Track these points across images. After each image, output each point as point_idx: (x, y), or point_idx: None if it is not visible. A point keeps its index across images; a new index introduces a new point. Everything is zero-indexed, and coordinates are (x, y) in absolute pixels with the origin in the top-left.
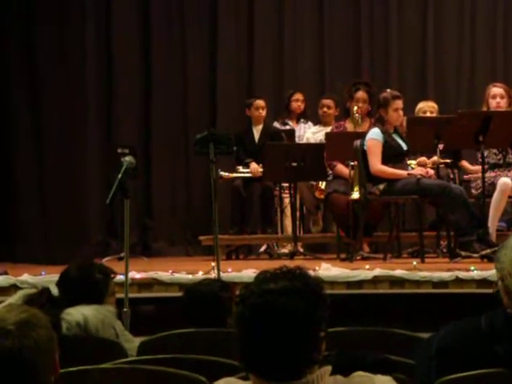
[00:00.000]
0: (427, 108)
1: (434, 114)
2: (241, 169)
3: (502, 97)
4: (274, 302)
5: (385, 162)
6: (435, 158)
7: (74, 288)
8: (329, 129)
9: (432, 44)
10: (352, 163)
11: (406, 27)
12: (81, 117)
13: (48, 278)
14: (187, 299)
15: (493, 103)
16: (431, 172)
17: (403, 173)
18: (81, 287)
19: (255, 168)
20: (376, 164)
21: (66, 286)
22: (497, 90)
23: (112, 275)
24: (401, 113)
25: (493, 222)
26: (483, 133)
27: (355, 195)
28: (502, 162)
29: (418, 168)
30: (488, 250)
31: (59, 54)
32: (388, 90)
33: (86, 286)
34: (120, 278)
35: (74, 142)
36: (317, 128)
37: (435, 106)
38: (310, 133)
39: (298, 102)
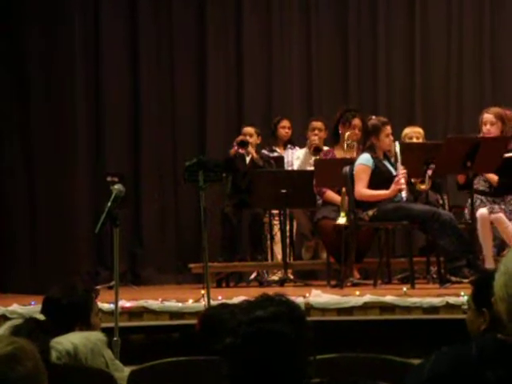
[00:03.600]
0: (413, 134)
1: (420, 140)
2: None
3: (491, 123)
4: (265, 329)
5: (375, 187)
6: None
7: (59, 310)
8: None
9: (419, 69)
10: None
11: (393, 53)
12: (70, 145)
13: (37, 307)
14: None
15: (483, 130)
16: (402, 182)
17: (382, 192)
18: (65, 308)
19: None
20: (359, 189)
21: (50, 310)
22: (487, 116)
23: (94, 292)
24: (391, 138)
25: (487, 251)
26: (471, 159)
27: (341, 220)
28: (488, 190)
29: (392, 186)
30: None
31: (49, 82)
32: (374, 117)
33: (70, 305)
34: (110, 306)
35: (64, 170)
36: (303, 152)
37: (421, 131)
38: (297, 156)
39: (285, 128)
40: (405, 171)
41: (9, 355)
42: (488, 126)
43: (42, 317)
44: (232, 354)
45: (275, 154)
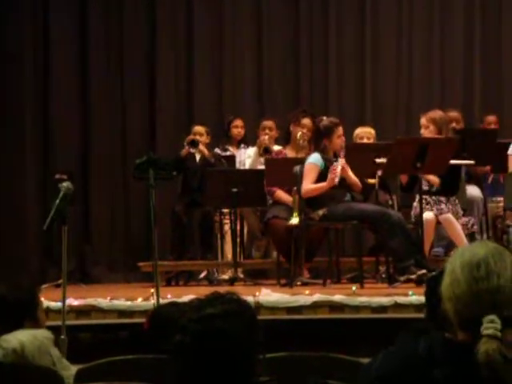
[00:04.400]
0: (364, 134)
1: (371, 140)
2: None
3: (425, 127)
4: (214, 327)
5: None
6: None
7: (5, 307)
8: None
9: (370, 70)
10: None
11: (344, 53)
12: (18, 142)
13: None
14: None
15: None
16: (337, 170)
17: (321, 184)
18: (12, 305)
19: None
20: (304, 186)
21: None
22: (421, 120)
23: (37, 288)
24: (343, 138)
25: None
26: (421, 160)
27: (294, 221)
28: (428, 189)
29: (332, 176)
30: (424, 271)
31: None
32: (325, 118)
33: (16, 302)
34: (57, 304)
35: (12, 168)
36: (254, 150)
37: (372, 131)
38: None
39: (237, 128)
40: (342, 162)
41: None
42: (422, 130)
43: None
44: (181, 351)
45: (228, 153)
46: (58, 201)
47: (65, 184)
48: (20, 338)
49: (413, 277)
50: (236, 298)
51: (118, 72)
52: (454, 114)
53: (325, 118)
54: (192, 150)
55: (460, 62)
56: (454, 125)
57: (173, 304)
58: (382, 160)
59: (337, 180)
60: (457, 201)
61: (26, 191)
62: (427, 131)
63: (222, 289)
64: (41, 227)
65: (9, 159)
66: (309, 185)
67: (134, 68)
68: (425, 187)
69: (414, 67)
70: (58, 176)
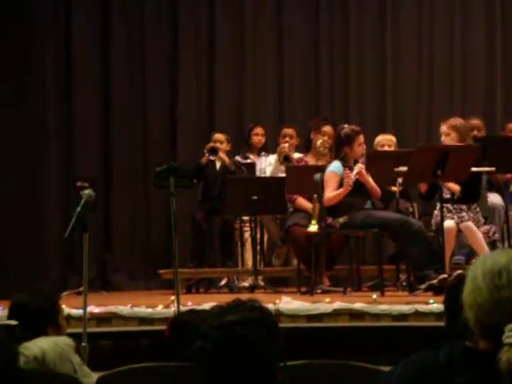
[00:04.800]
0: (385, 141)
1: (392, 148)
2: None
3: (446, 134)
4: (235, 334)
5: (346, 194)
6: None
7: (28, 314)
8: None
9: (391, 78)
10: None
11: (364, 60)
12: (40, 150)
13: (6, 313)
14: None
15: (442, 141)
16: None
17: (340, 190)
18: (34, 312)
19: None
20: (326, 194)
21: (19, 315)
22: (442, 127)
23: (58, 295)
24: (364, 146)
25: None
26: (441, 167)
27: (312, 228)
28: (450, 197)
29: (347, 180)
30: (445, 275)
31: (20, 85)
32: (346, 126)
33: (39, 309)
34: (78, 312)
35: (34, 175)
36: (275, 158)
37: (393, 139)
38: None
39: (258, 135)
40: (359, 166)
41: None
42: (443, 137)
43: (12, 322)
44: (202, 358)
45: (248, 161)
46: (79, 208)
47: (86, 191)
48: (41, 345)
49: (434, 282)
50: (257, 305)
51: (139, 80)
52: (475, 121)
53: (346, 125)
54: (211, 158)
55: (481, 70)
56: (475, 132)
57: (193, 311)
58: (402, 169)
59: (351, 182)
60: (478, 209)
61: (47, 199)
62: (448, 138)
63: (243, 296)
64: (62, 235)
65: (31, 167)
66: (330, 193)
67: (156, 76)
68: (446, 195)
69: (435, 75)
70: (79, 183)
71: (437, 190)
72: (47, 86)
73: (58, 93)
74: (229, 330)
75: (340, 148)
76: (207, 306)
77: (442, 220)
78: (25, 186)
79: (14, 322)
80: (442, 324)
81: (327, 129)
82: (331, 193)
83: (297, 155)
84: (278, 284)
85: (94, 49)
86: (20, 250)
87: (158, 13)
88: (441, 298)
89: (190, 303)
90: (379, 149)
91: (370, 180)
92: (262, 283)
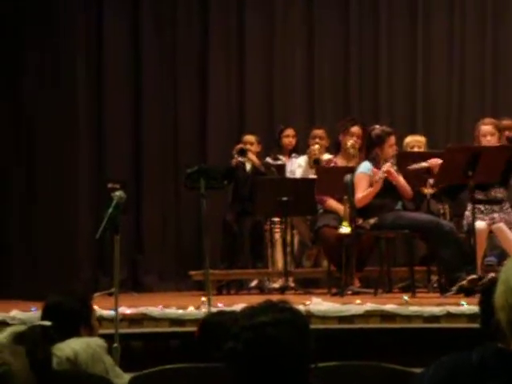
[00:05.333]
0: (415, 143)
1: (422, 149)
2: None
3: (491, 134)
4: (266, 335)
5: (376, 195)
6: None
7: (62, 315)
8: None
9: (421, 78)
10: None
11: (395, 61)
12: (72, 151)
13: (38, 314)
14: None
15: (483, 141)
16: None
17: (371, 189)
18: (68, 312)
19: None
20: (357, 196)
21: (53, 316)
22: (486, 128)
23: (90, 296)
24: (395, 148)
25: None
26: (472, 168)
27: (343, 230)
28: (486, 198)
29: (375, 177)
30: (475, 276)
31: (52, 89)
32: (377, 126)
33: (72, 309)
34: (110, 313)
35: (65, 176)
36: (305, 159)
37: (423, 140)
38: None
39: (288, 137)
40: (387, 165)
41: None
42: (488, 138)
43: (47, 323)
44: (233, 359)
45: (279, 163)
46: (110, 210)
47: (117, 193)
48: (73, 346)
49: (464, 283)
50: (288, 306)
51: (170, 82)
52: (507, 122)
53: (377, 126)
54: (240, 159)
55: None
56: (507, 133)
57: (222, 313)
58: (419, 165)
59: (378, 178)
60: (510, 210)
61: (78, 200)
62: (494, 138)
63: (273, 297)
64: (93, 236)
65: (62, 168)
66: (360, 194)
67: (186, 78)
68: (478, 196)
69: (466, 75)
70: (110, 185)
71: (463, 189)
72: (79, 87)
73: (90, 94)
74: (260, 331)
75: (370, 149)
76: (237, 307)
77: (474, 221)
78: (56, 188)
79: (47, 323)
80: (474, 326)
81: (355, 129)
82: (362, 194)
83: (326, 156)
84: (308, 285)
85: (125, 49)
86: (51, 251)
87: (188, 12)
88: (472, 300)
89: (220, 304)
90: (409, 150)
91: (401, 179)
92: (292, 284)
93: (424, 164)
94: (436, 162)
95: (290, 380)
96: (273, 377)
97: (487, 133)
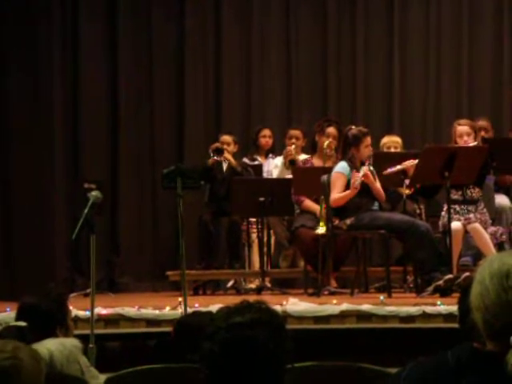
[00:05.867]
0: (391, 143)
1: (398, 149)
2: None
3: (468, 134)
4: (243, 335)
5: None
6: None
7: (38, 316)
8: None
9: (398, 79)
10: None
11: (371, 62)
12: (47, 152)
13: (13, 314)
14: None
15: (460, 142)
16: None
17: (347, 192)
18: (44, 313)
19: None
20: (332, 196)
21: (28, 317)
22: (462, 128)
23: (66, 296)
24: (370, 148)
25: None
26: (449, 168)
27: (320, 230)
28: (461, 198)
29: (353, 181)
30: (451, 275)
31: (26, 87)
32: (354, 127)
33: (48, 310)
34: (86, 313)
35: (41, 177)
36: (281, 160)
37: (399, 140)
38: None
39: (265, 137)
40: (366, 169)
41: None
42: (465, 138)
43: (22, 323)
44: (209, 359)
45: (256, 163)
46: (86, 210)
47: (93, 193)
48: (49, 346)
49: (440, 283)
50: (265, 306)
51: (146, 82)
52: (483, 122)
53: (353, 126)
54: (216, 158)
55: (488, 70)
56: (483, 133)
57: (197, 313)
58: (393, 169)
59: (357, 184)
60: (485, 210)
61: (54, 200)
62: (471, 138)
63: (250, 298)
64: (69, 236)
65: (38, 168)
66: (336, 194)
67: (163, 78)
68: (453, 196)
69: (443, 76)
70: (86, 185)
71: (439, 189)
72: (54, 86)
73: (65, 94)
74: (236, 332)
75: (347, 149)
76: (214, 307)
77: (449, 221)
78: (32, 188)
79: (23, 324)
80: (450, 325)
81: (331, 130)
82: (338, 194)
83: (303, 157)
84: (284, 285)
85: (101, 52)
86: (27, 251)
87: (165, 16)
88: (448, 300)
89: (196, 305)
90: (385, 150)
91: (376, 184)
92: (268, 285)
93: (399, 167)
94: (411, 163)
95: (266, 380)
96: (249, 377)
97: (464, 133)
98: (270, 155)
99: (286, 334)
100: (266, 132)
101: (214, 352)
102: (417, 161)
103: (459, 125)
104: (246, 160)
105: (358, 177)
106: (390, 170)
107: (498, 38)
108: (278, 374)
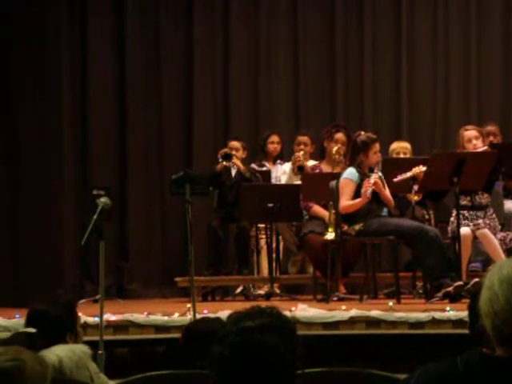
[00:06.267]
0: (400, 149)
1: (408, 155)
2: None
3: (476, 138)
4: (253, 340)
5: None
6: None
7: (47, 322)
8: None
9: (406, 85)
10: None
11: (379, 68)
12: (56, 158)
13: (22, 320)
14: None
15: (469, 147)
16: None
17: (357, 200)
18: (53, 320)
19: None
20: (342, 203)
21: (38, 323)
22: (470, 133)
23: (75, 303)
24: (379, 154)
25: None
26: (457, 174)
27: (329, 236)
28: (470, 204)
29: (364, 190)
30: (460, 282)
31: (36, 95)
32: (363, 133)
33: (58, 317)
34: (95, 320)
35: (50, 183)
36: (290, 166)
37: (408, 146)
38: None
39: (273, 143)
40: (376, 176)
41: (7, 372)
42: (474, 141)
43: (31, 330)
44: (219, 363)
45: (264, 169)
46: (95, 216)
47: (102, 199)
48: (58, 353)
49: (450, 289)
50: (276, 312)
51: (155, 88)
52: (491, 127)
53: (362, 132)
54: (225, 163)
55: (497, 76)
56: (491, 138)
57: (206, 319)
58: (404, 176)
59: (369, 193)
60: (494, 215)
61: (63, 207)
62: (479, 141)
63: (259, 304)
64: (77, 242)
65: (47, 175)
66: (346, 201)
67: (172, 84)
68: (462, 202)
69: (451, 81)
70: (95, 191)
71: (446, 192)
72: (63, 94)
73: (74, 101)
74: (246, 336)
75: (355, 155)
76: (222, 313)
77: (458, 227)
78: (41, 195)
79: (32, 330)
80: (459, 331)
81: (339, 136)
82: (348, 202)
83: (311, 162)
84: (293, 291)
85: (109, 57)
86: (36, 258)
87: (173, 23)
88: (457, 306)
89: (205, 311)
90: (394, 156)
91: (386, 192)
92: (277, 291)
93: (409, 174)
94: (420, 169)
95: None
96: (259, 382)
97: (472, 137)
98: (278, 161)
99: (297, 340)
100: (275, 138)
101: (224, 356)
102: (425, 167)
103: (466, 130)
104: (254, 166)
105: (368, 186)
106: (399, 178)
107: (506, 41)
108: (288, 380)
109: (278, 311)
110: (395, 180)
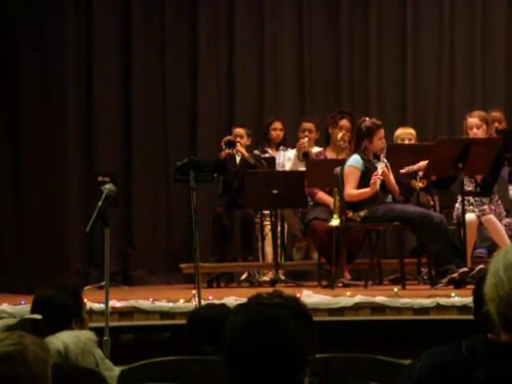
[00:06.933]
0: (405, 135)
1: (412, 141)
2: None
3: (477, 127)
4: (267, 313)
5: (365, 188)
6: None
7: (53, 308)
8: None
9: (411, 71)
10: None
11: (384, 53)
12: (60, 144)
13: (28, 307)
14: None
15: (470, 134)
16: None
17: (364, 190)
18: (59, 306)
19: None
20: (347, 190)
21: (44, 309)
22: (472, 120)
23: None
24: (384, 140)
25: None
26: (463, 160)
27: (334, 222)
28: (475, 190)
29: (373, 181)
30: (466, 269)
31: (39, 82)
32: (367, 119)
33: (64, 303)
34: (100, 306)
35: (54, 170)
36: (294, 153)
37: (413, 132)
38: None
39: (276, 130)
40: (383, 166)
41: (9, 355)
42: (474, 130)
43: (37, 316)
44: (231, 335)
45: (267, 155)
46: (100, 203)
47: (107, 186)
48: (64, 339)
49: (455, 275)
50: (296, 298)
51: (159, 75)
52: (496, 113)
53: (367, 118)
54: (228, 151)
55: (502, 62)
56: (496, 125)
57: (211, 306)
58: (412, 167)
59: (378, 185)
60: (499, 201)
61: (68, 194)
62: (480, 130)
63: (263, 290)
64: (83, 229)
65: (52, 161)
66: (351, 189)
67: (176, 71)
68: (467, 188)
69: (456, 67)
70: (100, 178)
71: (454, 180)
72: (68, 80)
73: (79, 88)
74: (261, 309)
75: (360, 141)
76: (228, 300)
77: (464, 213)
78: (46, 182)
79: (38, 316)
80: (464, 317)
81: (344, 122)
82: (354, 191)
83: (316, 149)
84: (298, 278)
85: (114, 45)
86: (41, 245)
87: (177, 9)
88: (462, 291)
89: (210, 297)
90: (399, 142)
91: (392, 180)
92: (282, 277)
93: (415, 167)
94: (424, 163)
95: (286, 369)
96: (268, 364)
97: (473, 125)
98: (281, 147)
99: (311, 326)
100: (277, 125)
101: (237, 326)
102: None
103: (470, 117)
104: (256, 152)
105: (377, 177)
106: (406, 169)
107: (511, 30)
108: (297, 360)
109: (296, 297)
110: (402, 171)
